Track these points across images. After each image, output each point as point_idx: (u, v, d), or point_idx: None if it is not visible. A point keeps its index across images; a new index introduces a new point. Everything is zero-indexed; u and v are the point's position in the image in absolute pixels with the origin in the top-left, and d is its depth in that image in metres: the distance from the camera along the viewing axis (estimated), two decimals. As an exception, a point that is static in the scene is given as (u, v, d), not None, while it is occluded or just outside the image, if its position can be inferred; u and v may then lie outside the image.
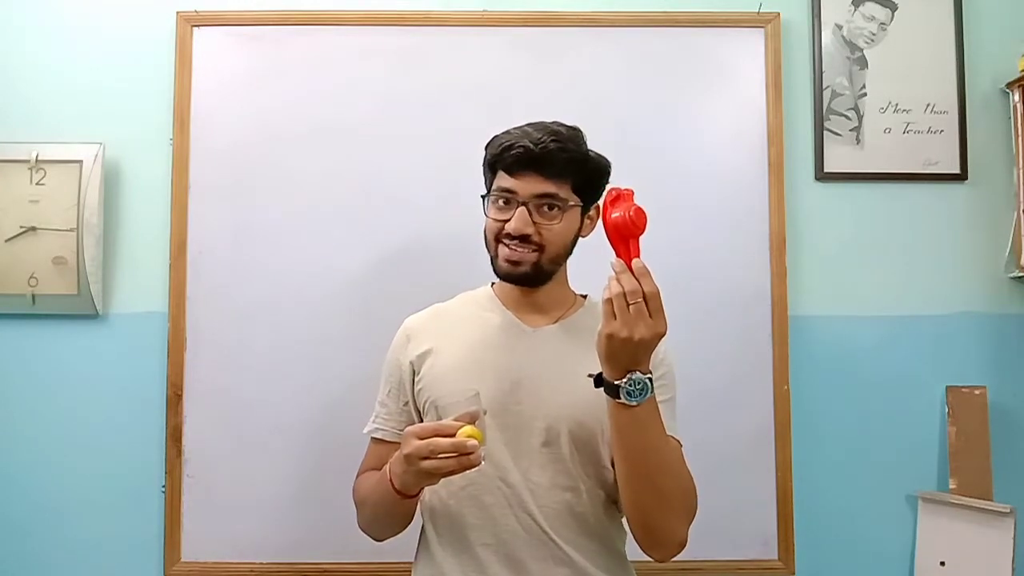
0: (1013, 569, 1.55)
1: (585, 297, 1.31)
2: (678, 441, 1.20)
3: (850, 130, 1.75)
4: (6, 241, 1.67)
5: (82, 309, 1.67)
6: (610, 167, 1.24)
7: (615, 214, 1.04)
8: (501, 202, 1.19)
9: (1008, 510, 1.58)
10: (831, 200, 1.74)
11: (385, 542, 1.30)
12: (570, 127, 1.21)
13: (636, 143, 1.69)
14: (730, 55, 1.74)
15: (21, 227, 1.66)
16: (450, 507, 1.19)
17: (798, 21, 1.77)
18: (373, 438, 1.31)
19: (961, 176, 1.74)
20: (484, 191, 1.25)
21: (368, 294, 1.69)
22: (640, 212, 1.03)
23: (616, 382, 1.02)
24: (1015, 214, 1.72)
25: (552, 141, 1.16)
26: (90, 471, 1.67)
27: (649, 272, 1.00)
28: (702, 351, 1.66)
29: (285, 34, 1.72)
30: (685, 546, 1.13)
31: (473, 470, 1.05)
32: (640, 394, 1.02)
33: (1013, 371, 1.72)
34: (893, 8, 1.77)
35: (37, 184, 1.67)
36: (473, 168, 1.26)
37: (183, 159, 1.69)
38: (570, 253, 1.24)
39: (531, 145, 1.15)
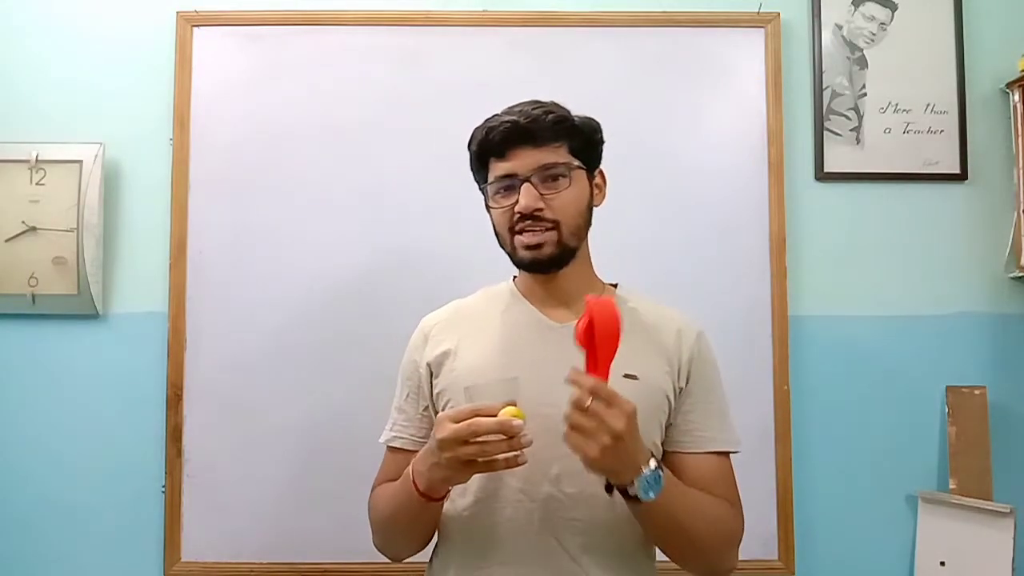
0: (1013, 569, 1.55)
1: (615, 286, 1.22)
2: (728, 454, 1.19)
3: (850, 130, 1.75)
4: (6, 241, 1.67)
5: (82, 309, 1.67)
6: (600, 125, 1.17)
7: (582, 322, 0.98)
8: (503, 190, 1.12)
9: (1008, 510, 1.58)
10: (831, 200, 1.74)
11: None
12: (548, 101, 1.15)
13: (636, 143, 1.69)
14: (730, 55, 1.74)
15: (22, 226, 1.67)
16: (466, 520, 1.11)
17: (798, 21, 1.77)
18: (389, 447, 1.20)
19: (961, 176, 1.74)
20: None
21: (369, 294, 1.69)
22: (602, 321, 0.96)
23: (628, 490, 0.98)
24: (1015, 214, 1.72)
25: (534, 109, 1.11)
26: (90, 471, 1.67)
27: (581, 374, 0.96)
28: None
29: (285, 34, 1.72)
30: (736, 566, 1.16)
31: (516, 467, 0.96)
32: (656, 485, 0.97)
33: (1013, 371, 1.72)
34: (893, 8, 1.77)
35: (37, 184, 1.67)
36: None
37: (183, 159, 1.69)
38: (589, 225, 1.17)
39: (516, 119, 1.10)
